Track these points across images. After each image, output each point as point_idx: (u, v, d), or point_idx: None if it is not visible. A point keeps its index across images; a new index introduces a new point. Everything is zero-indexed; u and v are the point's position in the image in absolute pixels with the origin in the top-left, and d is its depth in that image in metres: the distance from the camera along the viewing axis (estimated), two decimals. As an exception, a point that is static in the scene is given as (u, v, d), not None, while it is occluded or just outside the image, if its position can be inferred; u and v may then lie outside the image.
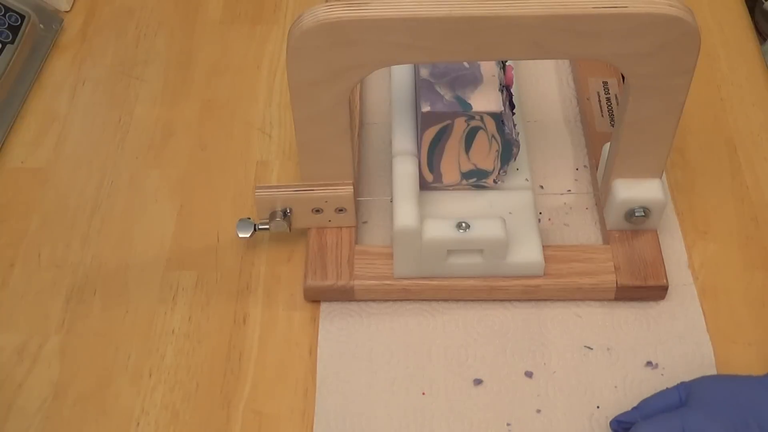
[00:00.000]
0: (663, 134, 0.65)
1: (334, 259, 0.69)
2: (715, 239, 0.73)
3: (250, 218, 0.71)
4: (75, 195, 0.77)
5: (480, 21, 0.57)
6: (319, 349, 0.67)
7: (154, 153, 0.81)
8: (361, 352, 0.67)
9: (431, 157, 0.70)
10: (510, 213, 0.71)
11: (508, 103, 0.70)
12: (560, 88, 0.84)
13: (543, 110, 0.82)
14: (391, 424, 0.63)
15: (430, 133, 0.69)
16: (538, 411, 0.64)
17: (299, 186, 0.69)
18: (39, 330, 0.69)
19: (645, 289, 0.68)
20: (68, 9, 0.93)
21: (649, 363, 0.66)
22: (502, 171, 0.72)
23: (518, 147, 0.70)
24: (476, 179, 0.72)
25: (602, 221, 0.72)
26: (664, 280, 0.68)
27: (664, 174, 0.69)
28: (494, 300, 0.69)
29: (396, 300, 0.70)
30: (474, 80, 0.69)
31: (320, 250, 0.70)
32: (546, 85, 0.84)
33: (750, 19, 0.92)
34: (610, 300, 0.69)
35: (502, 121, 0.68)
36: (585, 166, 0.78)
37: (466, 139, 0.69)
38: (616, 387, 0.65)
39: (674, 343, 0.67)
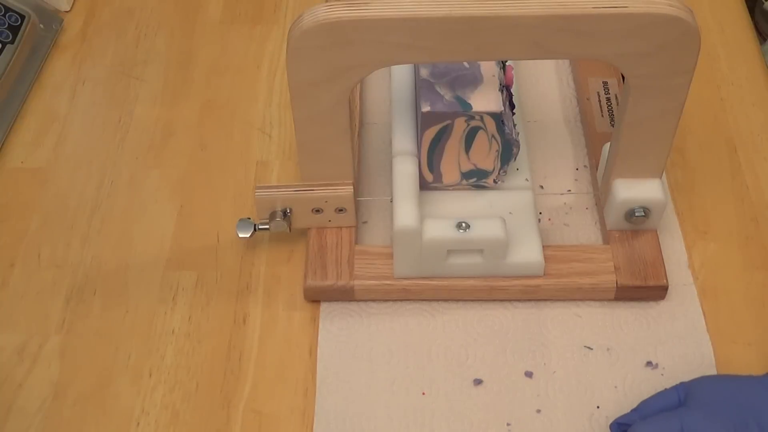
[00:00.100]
0: (663, 134, 0.65)
1: (334, 259, 0.69)
2: (715, 239, 0.73)
3: (250, 218, 0.71)
4: (75, 195, 0.77)
5: (480, 21, 0.57)
6: (319, 349, 0.67)
7: (154, 153, 0.81)
8: (361, 352, 0.67)
9: (431, 157, 0.70)
10: (510, 213, 0.71)
11: (508, 103, 0.70)
12: (560, 88, 0.84)
13: (543, 110, 0.82)
14: (391, 424, 0.63)
15: (430, 133, 0.69)
16: (538, 411, 0.64)
17: (299, 186, 0.69)
18: (39, 330, 0.69)
19: (645, 289, 0.68)
20: (68, 9, 0.93)
21: (649, 363, 0.66)
22: (502, 171, 0.72)
23: (518, 147, 0.70)
24: (476, 179, 0.72)
25: (602, 221, 0.72)
26: (664, 280, 0.68)
27: (664, 174, 0.69)
28: (494, 300, 0.69)
29: (396, 300, 0.70)
30: (474, 80, 0.69)
31: (320, 250, 0.70)
32: (546, 85, 0.84)
33: (750, 19, 0.92)
34: (610, 300, 0.69)
35: (502, 121, 0.68)
36: (585, 166, 0.78)
37: (466, 139, 0.69)
38: (616, 387, 0.65)
39: (674, 343, 0.67)
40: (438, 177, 0.72)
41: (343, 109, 0.63)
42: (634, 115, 0.64)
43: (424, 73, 0.69)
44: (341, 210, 0.70)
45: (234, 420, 0.64)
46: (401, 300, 0.70)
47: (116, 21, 0.92)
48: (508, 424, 0.63)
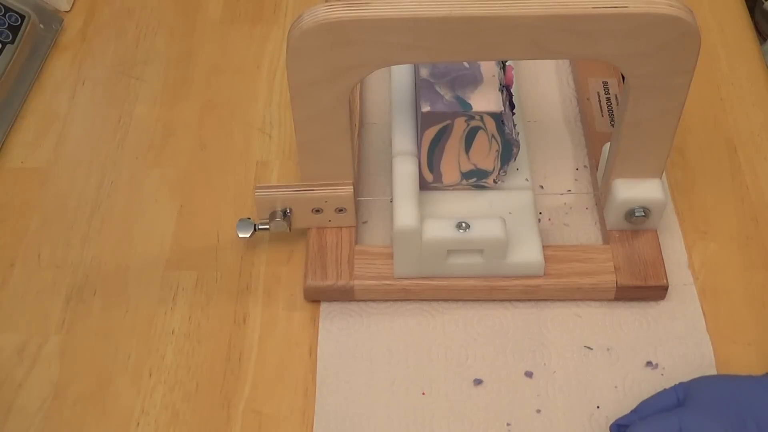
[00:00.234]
0: (663, 134, 0.65)
1: (334, 259, 0.69)
2: (715, 239, 0.73)
3: (250, 218, 0.71)
4: (75, 195, 0.77)
5: (480, 21, 0.57)
6: (319, 349, 0.67)
7: (154, 153, 0.81)
8: (361, 352, 0.67)
9: (431, 157, 0.70)
10: (510, 213, 0.71)
11: (508, 103, 0.70)
12: (560, 88, 0.84)
13: (543, 110, 0.82)
14: (391, 424, 0.63)
15: (430, 133, 0.69)
16: (538, 411, 0.64)
17: (299, 186, 0.69)
18: (39, 330, 0.69)
19: (645, 289, 0.68)
20: (68, 9, 0.93)
21: (649, 363, 0.66)
22: (502, 171, 0.72)
23: (518, 147, 0.70)
24: (476, 179, 0.72)
25: (602, 221, 0.72)
26: (664, 280, 0.68)
27: (664, 174, 0.69)
28: (494, 300, 0.69)
29: (396, 300, 0.70)
30: (474, 80, 0.69)
31: (320, 250, 0.70)
32: (546, 85, 0.84)
33: (750, 19, 0.92)
34: (610, 300, 0.69)
35: (502, 121, 0.68)
36: (585, 166, 0.78)
37: (466, 139, 0.69)
38: (616, 387, 0.65)
39: (674, 343, 0.67)
40: (438, 177, 0.72)
41: (343, 109, 0.63)
42: (634, 115, 0.64)
43: (424, 73, 0.69)
44: (341, 210, 0.70)
45: (234, 420, 0.64)
46: (401, 300, 0.70)
47: (116, 21, 0.92)
48: (508, 424, 0.63)
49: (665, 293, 0.69)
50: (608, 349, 0.67)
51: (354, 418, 0.64)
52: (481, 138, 0.69)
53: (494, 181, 0.72)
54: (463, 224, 0.66)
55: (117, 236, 0.75)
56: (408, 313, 0.69)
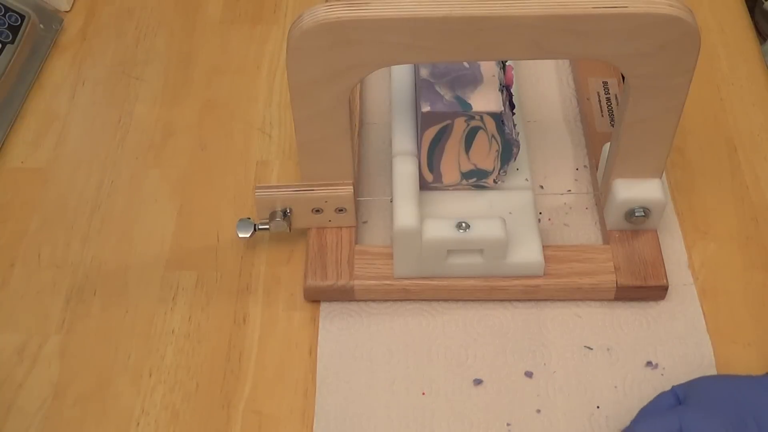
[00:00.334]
0: (663, 134, 0.65)
1: (334, 259, 0.69)
2: (715, 239, 0.73)
3: (250, 218, 0.71)
4: (75, 195, 0.77)
5: (480, 21, 0.57)
6: (319, 349, 0.67)
7: (154, 153, 0.81)
8: (361, 352, 0.67)
9: (431, 157, 0.70)
10: (510, 213, 0.71)
11: (508, 103, 0.70)
12: (560, 88, 0.84)
13: (543, 110, 0.82)
14: (391, 424, 0.63)
15: (430, 133, 0.69)
16: (538, 411, 0.64)
17: (299, 186, 0.69)
18: (39, 330, 0.69)
19: (645, 289, 0.68)
20: (68, 9, 0.93)
21: (649, 363, 0.66)
22: (502, 171, 0.72)
23: (518, 147, 0.70)
24: (476, 179, 0.72)
25: (602, 221, 0.72)
26: (664, 280, 0.68)
27: (664, 174, 0.69)
28: (494, 300, 0.69)
29: (396, 300, 0.70)
30: (474, 80, 0.69)
31: (320, 250, 0.70)
32: (546, 85, 0.84)
33: (750, 19, 0.92)
34: (610, 300, 0.69)
35: (502, 121, 0.68)
36: (585, 166, 0.78)
37: (466, 139, 0.69)
38: (616, 387, 0.65)
39: (674, 343, 0.67)
40: (438, 177, 0.72)
41: (343, 109, 0.63)
42: (634, 115, 0.64)
43: (424, 73, 0.69)
44: (341, 210, 0.70)
45: (234, 420, 0.64)
46: (401, 300, 0.70)
47: (116, 21, 0.92)
48: (508, 424, 0.63)
49: (665, 293, 0.69)
50: (608, 349, 0.67)
51: (354, 418, 0.64)
52: (481, 138, 0.69)
53: (494, 181, 0.72)
54: (463, 224, 0.66)
55: (117, 236, 0.75)
56: (408, 313, 0.69)
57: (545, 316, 0.69)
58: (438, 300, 0.70)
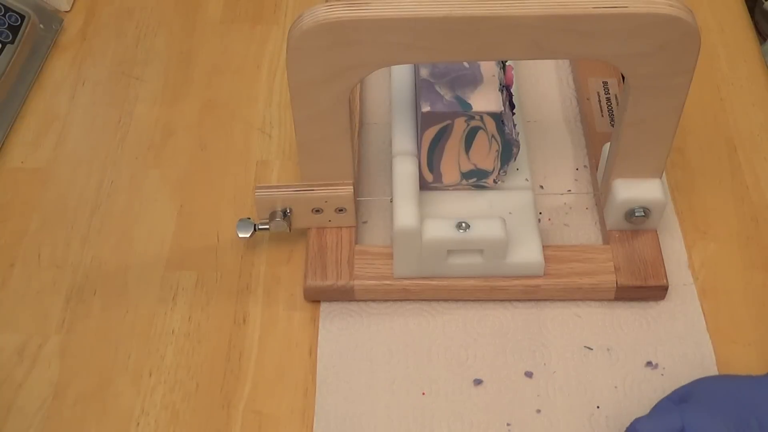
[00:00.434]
0: (663, 134, 0.65)
1: (334, 259, 0.69)
2: (715, 239, 0.73)
3: (250, 218, 0.71)
4: (75, 195, 0.77)
5: (480, 21, 0.57)
6: (319, 349, 0.67)
7: (154, 153, 0.81)
8: (361, 352, 0.67)
9: (431, 157, 0.70)
10: (510, 213, 0.71)
11: (508, 103, 0.70)
12: (560, 88, 0.84)
13: (543, 110, 0.82)
14: (391, 424, 0.63)
15: (430, 133, 0.69)
16: (538, 411, 0.64)
17: (299, 186, 0.69)
18: (39, 330, 0.69)
19: (645, 289, 0.68)
20: (68, 9, 0.93)
21: (649, 363, 0.66)
22: (502, 171, 0.72)
23: (518, 147, 0.70)
24: (476, 179, 0.72)
25: (602, 221, 0.72)
26: (664, 280, 0.68)
27: (664, 174, 0.69)
28: (494, 300, 0.69)
29: (396, 300, 0.70)
30: (474, 80, 0.69)
31: (320, 250, 0.70)
32: (546, 85, 0.84)
33: (750, 19, 0.92)
34: (610, 300, 0.69)
35: (502, 121, 0.68)
36: (585, 166, 0.78)
37: (466, 139, 0.69)
38: (616, 387, 0.65)
39: (674, 343, 0.67)
40: (438, 177, 0.72)
41: (343, 109, 0.63)
42: (634, 115, 0.64)
43: (424, 73, 0.69)
44: (341, 210, 0.70)
45: (234, 420, 0.64)
46: (401, 300, 0.70)
47: (116, 21, 0.92)
48: (508, 424, 0.63)
49: (665, 293, 0.69)
50: (608, 349, 0.67)
51: (354, 418, 0.64)
52: (481, 138, 0.69)
53: (494, 181, 0.72)
54: (463, 224, 0.66)
55: (117, 236, 0.75)
56: (408, 313, 0.69)
57: (545, 316, 0.69)
58: (438, 300, 0.70)
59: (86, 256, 0.73)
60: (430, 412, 0.64)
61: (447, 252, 0.67)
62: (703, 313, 0.69)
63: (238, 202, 0.76)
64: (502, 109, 0.67)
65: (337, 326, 0.68)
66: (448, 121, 0.68)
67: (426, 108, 0.67)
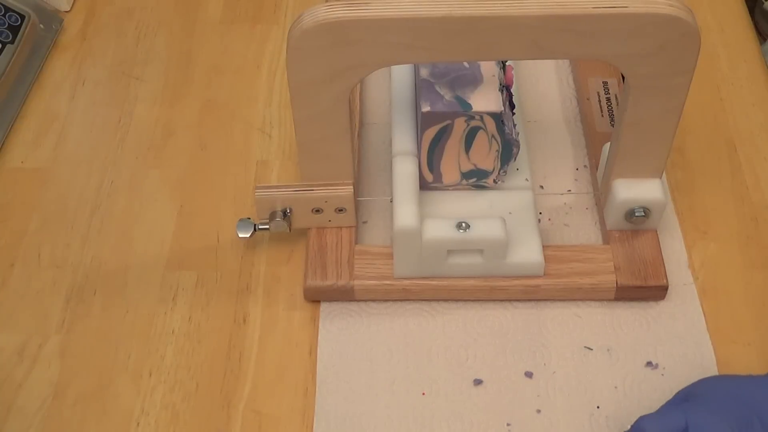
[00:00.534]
0: (663, 134, 0.65)
1: (334, 259, 0.69)
2: (715, 239, 0.73)
3: (250, 218, 0.71)
4: (75, 195, 0.77)
5: (480, 21, 0.57)
6: (319, 349, 0.67)
7: (154, 153, 0.81)
8: (361, 352, 0.67)
9: (431, 157, 0.70)
10: (510, 213, 0.71)
11: (508, 103, 0.70)
12: (560, 88, 0.84)
13: (543, 110, 0.82)
14: (391, 424, 0.63)
15: (430, 133, 0.69)
16: (538, 411, 0.64)
17: (299, 186, 0.69)
18: (39, 330, 0.69)
19: (645, 289, 0.68)
20: (68, 9, 0.93)
21: (649, 363, 0.66)
22: (502, 171, 0.72)
23: (518, 147, 0.70)
24: (476, 179, 0.72)
25: (602, 221, 0.72)
26: (664, 280, 0.68)
27: (664, 174, 0.69)
28: (494, 300, 0.69)
29: (396, 300, 0.70)
30: (474, 80, 0.69)
31: (320, 250, 0.70)
32: (546, 85, 0.84)
33: (750, 19, 0.92)
34: (610, 300, 0.69)
35: (502, 121, 0.68)
36: (585, 166, 0.78)
37: (466, 139, 0.69)
38: (616, 387, 0.65)
39: (674, 343, 0.67)
40: (438, 177, 0.72)
41: (343, 109, 0.63)
42: (634, 115, 0.64)
43: (424, 73, 0.69)
44: (341, 210, 0.70)
45: (234, 420, 0.64)
46: (401, 300, 0.70)
47: (116, 21, 0.92)
48: (508, 424, 0.63)
49: (665, 293, 0.69)
50: (608, 350, 0.67)
51: (354, 418, 0.64)
52: (481, 138, 0.69)
53: (494, 181, 0.72)
54: (463, 224, 0.66)
55: (117, 236, 0.75)
56: (408, 313, 0.69)
57: (545, 316, 0.69)
58: (438, 300, 0.70)
59: (86, 256, 0.73)
60: (430, 412, 0.64)
61: (447, 252, 0.67)
62: (703, 313, 0.69)
63: (238, 202, 0.76)
64: (502, 109, 0.67)
65: (337, 326, 0.68)
66: (448, 121, 0.68)
67: (426, 108, 0.67)
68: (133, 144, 0.81)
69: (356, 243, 0.71)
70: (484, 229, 0.66)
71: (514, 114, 0.71)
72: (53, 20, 0.90)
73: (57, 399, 0.65)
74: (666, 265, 0.69)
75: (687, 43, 0.59)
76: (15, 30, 0.85)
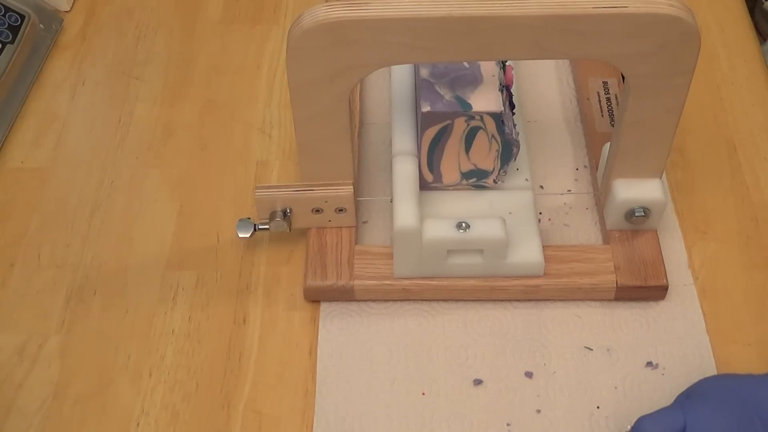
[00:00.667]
0: (663, 134, 0.65)
1: (334, 259, 0.69)
2: (715, 239, 0.73)
3: (250, 218, 0.71)
4: (75, 195, 0.77)
5: (480, 21, 0.57)
6: (319, 349, 0.67)
7: (154, 153, 0.81)
8: (361, 352, 0.67)
9: (431, 157, 0.70)
10: (510, 213, 0.71)
11: (508, 103, 0.70)
12: (560, 88, 0.84)
13: (543, 110, 0.82)
14: (391, 424, 0.63)
15: (430, 133, 0.69)
16: (538, 411, 0.64)
17: (299, 186, 0.69)
18: (39, 330, 0.69)
19: (645, 289, 0.68)
20: (68, 9, 0.93)
21: (649, 363, 0.66)
22: (502, 171, 0.72)
23: (518, 147, 0.70)
24: (476, 179, 0.72)
25: (602, 221, 0.72)
26: (664, 280, 0.68)
27: (664, 174, 0.69)
28: (494, 300, 0.69)
29: (396, 300, 0.70)
30: (474, 80, 0.69)
31: (320, 250, 0.70)
32: (546, 85, 0.84)
33: (750, 19, 0.92)
34: (610, 300, 0.69)
35: (502, 121, 0.68)
36: (585, 166, 0.78)
37: (466, 139, 0.69)
38: (616, 387, 0.65)
39: (674, 343, 0.67)
40: (438, 177, 0.72)
41: (343, 109, 0.63)
42: (634, 115, 0.64)
43: (424, 73, 0.69)
44: (341, 210, 0.70)
45: (234, 420, 0.64)
46: (401, 300, 0.70)
47: (116, 21, 0.92)
48: (508, 424, 0.63)
49: (665, 293, 0.69)
50: (608, 350, 0.67)
51: (354, 418, 0.64)
52: (481, 138, 0.69)
53: (494, 181, 0.72)
54: (463, 224, 0.66)
55: (117, 236, 0.75)
56: (408, 313, 0.69)
57: (545, 316, 0.69)
58: (438, 300, 0.70)
59: (86, 256, 0.73)
60: (430, 412, 0.64)
61: (447, 252, 0.67)
62: (703, 314, 0.69)
63: (238, 202, 0.76)
64: (502, 109, 0.67)
65: (337, 326, 0.68)
66: (448, 121, 0.68)
67: (426, 108, 0.67)
68: (133, 144, 0.81)
69: (356, 243, 0.71)
70: (484, 229, 0.66)
71: (514, 114, 0.71)
72: (53, 20, 0.90)
73: (57, 399, 0.65)
74: (666, 265, 0.69)
75: (687, 43, 0.59)
76: (15, 30, 0.85)
